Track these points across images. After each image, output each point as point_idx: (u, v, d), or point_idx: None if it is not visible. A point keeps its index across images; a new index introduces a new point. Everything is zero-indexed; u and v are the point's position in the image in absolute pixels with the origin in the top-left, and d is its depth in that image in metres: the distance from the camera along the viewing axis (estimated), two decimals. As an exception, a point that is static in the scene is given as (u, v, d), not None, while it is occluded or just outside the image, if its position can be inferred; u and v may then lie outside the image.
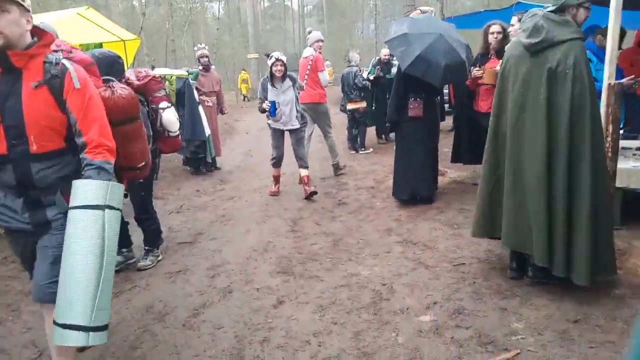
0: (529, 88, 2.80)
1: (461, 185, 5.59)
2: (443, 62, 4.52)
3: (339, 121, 12.95)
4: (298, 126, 5.52)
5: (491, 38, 4.86)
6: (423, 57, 4.52)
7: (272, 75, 5.32)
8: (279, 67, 5.25)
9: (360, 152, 8.31)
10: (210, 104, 7.24)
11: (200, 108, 6.82)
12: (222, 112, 7.81)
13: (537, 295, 2.90)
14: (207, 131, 6.85)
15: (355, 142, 8.46)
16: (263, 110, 5.39)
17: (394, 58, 9.72)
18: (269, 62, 5.31)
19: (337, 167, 6.77)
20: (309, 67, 6.21)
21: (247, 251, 3.96)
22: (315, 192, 5.54)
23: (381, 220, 4.58)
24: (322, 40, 6.39)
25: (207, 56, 7.35)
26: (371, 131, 9.06)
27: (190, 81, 6.69)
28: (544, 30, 2.72)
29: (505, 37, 4.81)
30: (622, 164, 3.68)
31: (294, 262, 3.71)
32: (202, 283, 3.40)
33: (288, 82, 5.38)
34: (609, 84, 3.10)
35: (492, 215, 3.03)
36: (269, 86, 5.38)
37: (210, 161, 7.14)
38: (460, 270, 3.33)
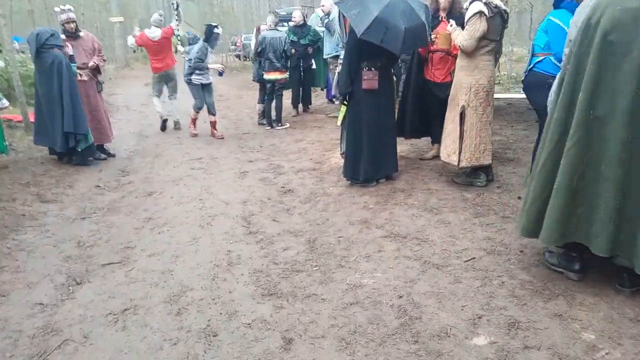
0: None
1: (409, 161, 5.22)
2: (403, 26, 3.97)
3: (231, 92, 11.94)
4: (211, 80, 6.98)
5: None
6: (381, 20, 3.92)
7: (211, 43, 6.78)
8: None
9: (277, 128, 7.56)
10: (86, 78, 5.82)
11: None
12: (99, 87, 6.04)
13: (579, 290, 2.59)
14: None
15: (270, 116, 7.66)
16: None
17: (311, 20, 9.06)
18: (218, 31, 6.78)
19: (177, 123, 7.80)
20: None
21: (208, 268, 3.11)
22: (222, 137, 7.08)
23: (347, 210, 4.00)
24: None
25: (74, 21, 5.87)
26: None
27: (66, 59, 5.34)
28: None
29: None
30: None
31: (274, 277, 2.97)
32: (167, 325, 2.52)
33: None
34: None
35: (574, 215, 2.48)
36: (208, 51, 6.74)
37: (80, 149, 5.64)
38: (476, 267, 2.92)
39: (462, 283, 2.75)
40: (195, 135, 7.18)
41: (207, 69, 6.78)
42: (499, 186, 4.27)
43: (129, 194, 4.74)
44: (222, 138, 7.04)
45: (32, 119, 7.12)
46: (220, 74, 7.07)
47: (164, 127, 7.70)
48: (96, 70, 5.93)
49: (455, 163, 4.24)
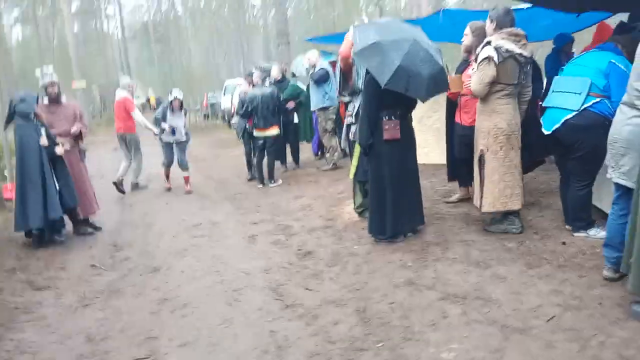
0: None
1: (427, 211, 4.97)
2: (425, 72, 3.86)
3: (206, 153, 11.52)
4: (184, 139, 7.43)
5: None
6: (404, 68, 3.79)
7: (171, 105, 7.27)
8: (177, 103, 7.27)
9: (271, 186, 7.24)
10: (67, 147, 5.35)
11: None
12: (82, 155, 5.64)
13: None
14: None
15: (262, 174, 7.34)
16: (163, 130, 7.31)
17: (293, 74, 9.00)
18: (170, 98, 7.28)
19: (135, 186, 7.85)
20: None
21: (256, 356, 2.67)
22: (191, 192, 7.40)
23: (384, 270, 3.67)
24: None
25: (56, 84, 5.48)
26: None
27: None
28: None
29: (478, 36, 4.37)
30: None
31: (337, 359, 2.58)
32: None
33: (182, 111, 7.45)
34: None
35: None
36: (168, 112, 7.26)
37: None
38: (562, 327, 2.63)
39: (558, 348, 2.44)
40: (169, 189, 7.54)
41: (176, 128, 7.28)
42: (535, 232, 4.06)
43: (130, 272, 4.24)
44: (191, 192, 7.36)
45: (5, 195, 6.56)
46: (156, 134, 7.40)
47: (120, 191, 7.64)
48: (78, 137, 5.51)
49: (481, 208, 4.09)
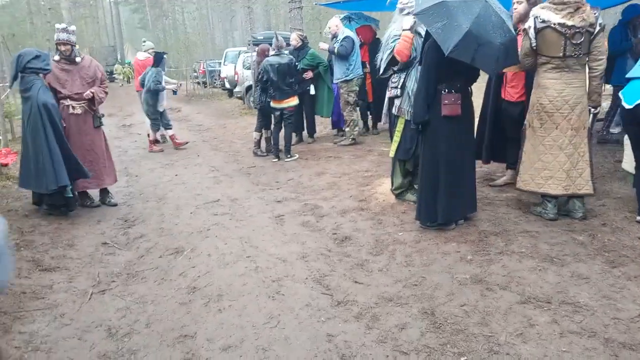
0: None
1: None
2: (498, 41, 3.37)
3: (211, 122, 10.95)
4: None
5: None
6: (473, 34, 3.28)
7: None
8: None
9: (286, 160, 6.75)
10: (79, 110, 4.82)
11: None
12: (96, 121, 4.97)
13: None
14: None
15: (277, 146, 6.85)
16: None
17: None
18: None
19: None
20: None
21: (319, 367, 2.26)
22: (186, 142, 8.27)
23: (441, 263, 3.26)
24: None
25: (67, 43, 4.75)
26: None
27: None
28: None
29: (533, 3, 3.93)
30: None
31: (416, 375, 2.17)
32: None
33: None
34: None
35: None
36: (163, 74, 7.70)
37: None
38: (680, 344, 2.24)
39: (687, 373, 2.06)
40: (161, 150, 7.88)
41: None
42: (603, 224, 3.66)
43: (149, 253, 3.80)
44: (187, 142, 8.25)
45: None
46: (175, 92, 8.28)
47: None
48: (91, 101, 4.91)
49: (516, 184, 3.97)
